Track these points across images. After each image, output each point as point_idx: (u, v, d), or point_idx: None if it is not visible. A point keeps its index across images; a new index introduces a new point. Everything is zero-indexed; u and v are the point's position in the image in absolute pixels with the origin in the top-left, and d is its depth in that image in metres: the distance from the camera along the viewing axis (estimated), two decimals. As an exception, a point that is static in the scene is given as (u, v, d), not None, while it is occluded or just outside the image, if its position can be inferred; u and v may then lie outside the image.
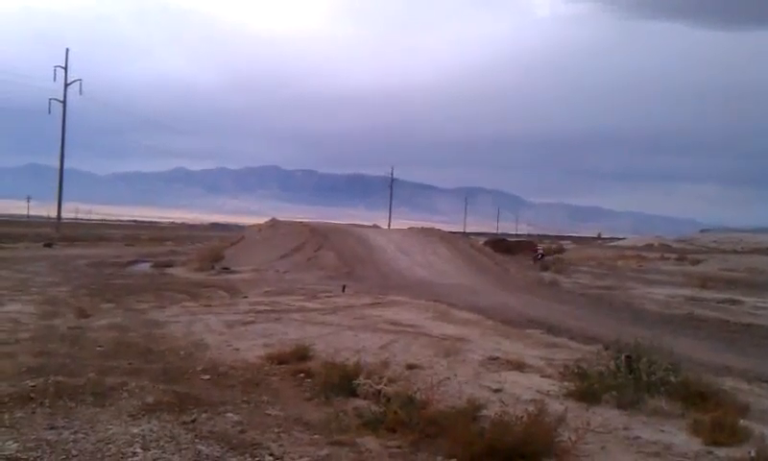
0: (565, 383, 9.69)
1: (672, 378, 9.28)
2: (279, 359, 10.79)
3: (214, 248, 38.39)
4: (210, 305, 18.36)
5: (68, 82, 63.94)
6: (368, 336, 13.63)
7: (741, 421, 8.19)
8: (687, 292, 30.65)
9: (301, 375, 9.88)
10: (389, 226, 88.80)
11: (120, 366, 9.96)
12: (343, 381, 8.98)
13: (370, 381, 9.15)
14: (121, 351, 11.21)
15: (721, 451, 7.35)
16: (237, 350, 11.89)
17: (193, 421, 7.48)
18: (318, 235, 35.41)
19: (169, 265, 33.57)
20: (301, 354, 10.99)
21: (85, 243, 50.50)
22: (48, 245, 45.08)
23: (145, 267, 32.98)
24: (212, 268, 31.23)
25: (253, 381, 9.53)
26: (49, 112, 63.44)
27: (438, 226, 60.94)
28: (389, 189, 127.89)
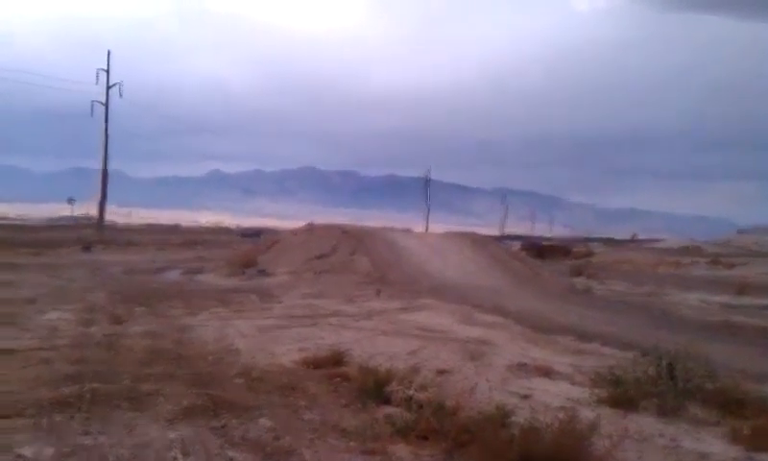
0: (596, 390, 9.64)
1: (709, 385, 9.22)
2: (315, 364, 10.90)
3: (247, 252, 38.54)
4: (243, 310, 18.48)
5: (110, 84, 64.64)
6: (400, 341, 13.67)
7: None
8: (724, 298, 30.08)
9: (337, 379, 9.98)
10: (426, 228, 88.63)
11: (154, 372, 10.12)
12: (377, 387, 9.06)
13: (402, 388, 9.22)
14: (155, 358, 11.39)
15: (760, 458, 7.32)
16: (272, 354, 12.00)
17: (223, 426, 7.61)
18: (352, 239, 35.51)
19: (200, 271, 33.61)
20: (337, 359, 11.08)
21: (123, 247, 51.01)
22: (86, 248, 45.65)
23: (178, 273, 33.05)
24: (243, 273, 31.24)
25: (289, 386, 9.62)
26: (92, 115, 64.18)
27: (474, 228, 60.76)
28: (425, 190, 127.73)
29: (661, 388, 9.08)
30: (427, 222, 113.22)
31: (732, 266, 55.69)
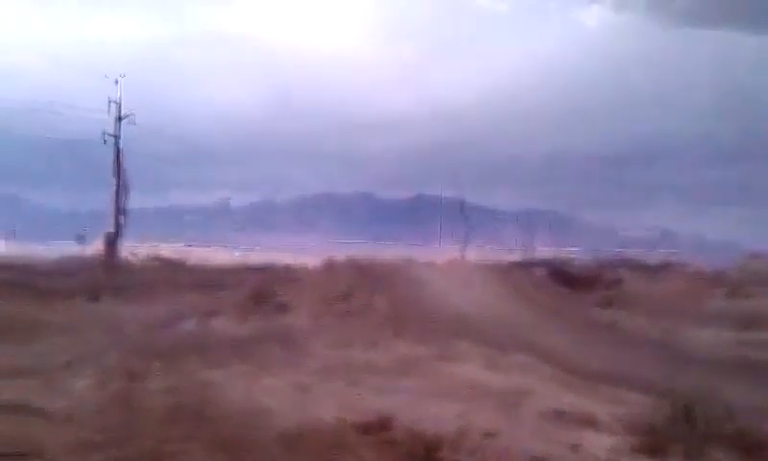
0: (630, 438, 9.56)
1: (729, 427, 9.04)
2: (359, 427, 10.56)
3: (264, 292, 37.81)
4: (267, 363, 17.89)
5: (121, 115, 64.04)
6: (438, 398, 13.34)
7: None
8: (741, 334, 28.95)
9: (386, 444, 9.73)
10: (463, 257, 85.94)
11: (176, 434, 9.87)
12: (427, 453, 8.82)
13: (450, 454, 9.00)
14: (177, 418, 11.14)
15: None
16: (309, 415, 11.59)
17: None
18: (371, 278, 35.09)
19: (216, 315, 32.28)
20: (383, 424, 10.69)
21: (133, 293, 47.81)
22: (93, 298, 41.11)
23: (192, 321, 31.71)
24: (260, 314, 30.38)
25: (334, 446, 9.40)
26: (104, 142, 63.13)
27: (499, 253, 60.22)
28: (445, 212, 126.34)
29: (683, 432, 8.92)
30: (463, 252, 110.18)
31: (749, 296, 53.81)
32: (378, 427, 10.55)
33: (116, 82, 64.72)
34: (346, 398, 13.36)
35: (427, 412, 12.13)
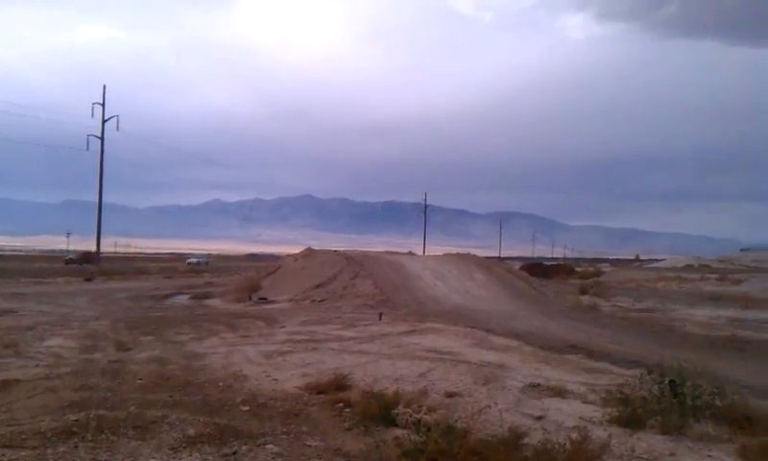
0: (608, 409, 9.52)
1: (717, 402, 9.11)
2: (318, 389, 10.78)
3: (251, 278, 38.63)
4: (248, 336, 18.38)
5: (106, 118, 65.09)
6: (406, 364, 13.51)
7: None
8: (730, 313, 30.11)
9: (341, 404, 9.83)
10: (424, 252, 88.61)
11: (160, 399, 9.99)
12: (382, 411, 8.93)
13: (409, 410, 9.07)
14: (161, 384, 11.25)
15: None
16: (276, 380, 11.87)
17: (234, 453, 7.48)
18: (353, 264, 35.45)
19: (207, 297, 33.83)
20: (340, 384, 10.95)
21: (124, 277, 51.07)
22: (88, 279, 45.74)
23: (183, 299, 33.31)
24: (249, 298, 31.45)
25: (293, 412, 9.49)
26: (87, 149, 64.55)
27: (473, 251, 60.71)
28: (423, 216, 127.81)
29: (665, 406, 8.97)
30: (425, 246, 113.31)
31: (738, 282, 55.85)
32: (334, 388, 10.80)
33: (104, 87, 65.90)
34: (309, 364, 13.64)
35: (385, 374, 12.45)
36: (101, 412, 8.87)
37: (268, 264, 47.44)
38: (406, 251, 70.58)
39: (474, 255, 47.62)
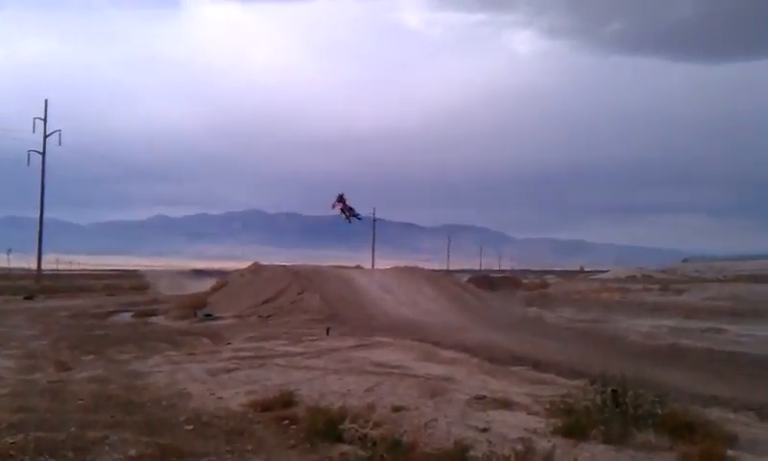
0: (552, 420, 9.61)
1: (659, 411, 9.25)
2: (263, 406, 10.69)
3: (197, 295, 38.14)
4: (193, 354, 18.14)
5: (48, 133, 63.67)
6: (353, 379, 13.49)
7: (729, 451, 8.18)
8: (671, 322, 30.73)
9: (286, 421, 9.74)
10: (372, 266, 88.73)
11: (101, 419, 9.80)
12: (328, 427, 8.89)
13: (355, 426, 9.06)
14: (102, 404, 11.04)
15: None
16: (220, 398, 11.73)
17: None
18: (301, 278, 35.30)
19: (151, 314, 33.29)
20: (286, 401, 10.89)
21: (67, 294, 49.99)
22: (29, 297, 44.62)
23: (126, 317, 32.71)
24: (195, 315, 31.02)
25: (237, 430, 9.39)
26: (28, 164, 63.07)
27: (421, 264, 60.86)
28: (372, 230, 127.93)
29: (607, 416, 9.08)
30: (373, 260, 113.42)
31: (680, 292, 56.92)
32: (280, 405, 10.74)
33: (46, 101, 64.60)
34: (255, 381, 13.51)
35: (332, 389, 12.40)
36: (40, 434, 8.67)
37: (213, 281, 46.94)
38: (355, 265, 70.53)
39: (422, 269, 47.80)
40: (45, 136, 63.64)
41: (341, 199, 32.51)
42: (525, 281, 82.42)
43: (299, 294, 32.52)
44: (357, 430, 8.84)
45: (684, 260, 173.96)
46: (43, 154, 63.39)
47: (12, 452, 7.90)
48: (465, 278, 72.09)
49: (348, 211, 33.54)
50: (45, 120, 63.75)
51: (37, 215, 63.90)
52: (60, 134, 64.04)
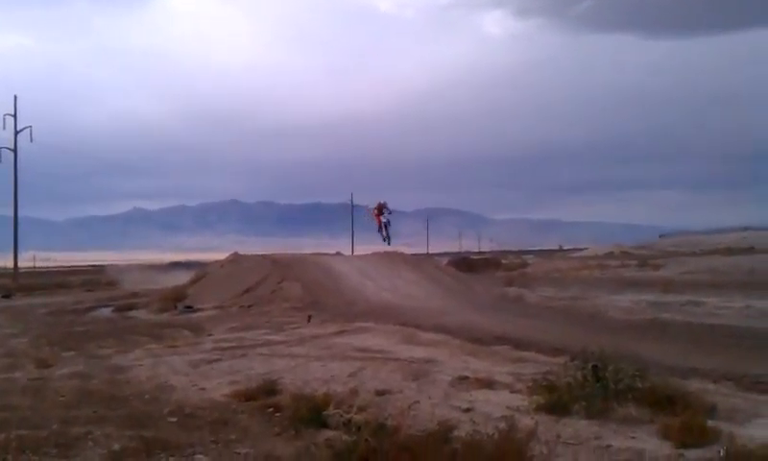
0: (535, 397, 9.70)
1: (639, 384, 9.34)
2: (247, 396, 10.68)
3: (176, 287, 37.89)
4: (175, 346, 18.02)
5: (18, 129, 62.89)
6: (336, 365, 13.53)
7: (709, 421, 8.28)
8: (650, 297, 31.01)
9: (270, 409, 9.75)
10: (352, 252, 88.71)
11: (84, 415, 9.73)
12: (312, 413, 8.89)
13: (339, 411, 9.07)
14: (84, 400, 10.95)
15: (691, 453, 7.42)
16: (203, 389, 11.70)
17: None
18: (280, 267, 35.20)
19: (131, 308, 33.11)
20: (269, 389, 10.89)
21: (45, 291, 49.51)
22: (6, 296, 44.20)
23: (106, 312, 32.51)
24: (175, 308, 30.90)
25: (221, 421, 9.35)
26: (0, 161, 62.33)
27: (401, 249, 60.85)
28: (350, 216, 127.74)
29: (589, 391, 9.17)
30: (353, 246, 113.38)
31: (657, 267, 57.50)
32: (264, 393, 10.75)
33: (15, 97, 63.75)
34: (237, 371, 13.51)
35: (316, 376, 12.45)
36: (22, 432, 8.60)
37: (193, 272, 46.56)
38: (334, 252, 70.47)
39: (402, 253, 47.80)
40: (16, 133, 62.87)
41: (380, 210, 31.67)
42: (505, 262, 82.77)
43: (279, 283, 32.44)
44: (341, 416, 8.85)
45: (662, 236, 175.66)
46: (15, 151, 62.66)
47: (-7, 451, 7.85)
48: (444, 260, 72.34)
49: (385, 229, 33.03)
50: (15, 116, 62.96)
51: (12, 213, 63.42)
52: (30, 131, 63.36)
